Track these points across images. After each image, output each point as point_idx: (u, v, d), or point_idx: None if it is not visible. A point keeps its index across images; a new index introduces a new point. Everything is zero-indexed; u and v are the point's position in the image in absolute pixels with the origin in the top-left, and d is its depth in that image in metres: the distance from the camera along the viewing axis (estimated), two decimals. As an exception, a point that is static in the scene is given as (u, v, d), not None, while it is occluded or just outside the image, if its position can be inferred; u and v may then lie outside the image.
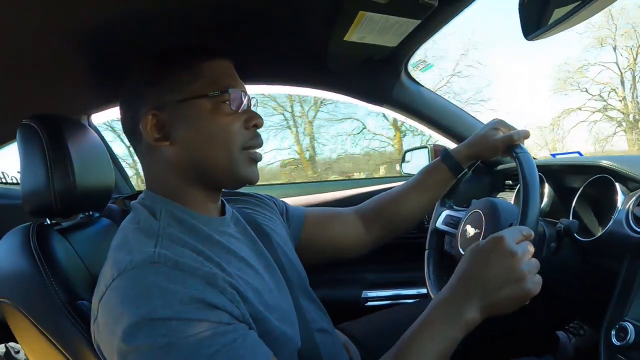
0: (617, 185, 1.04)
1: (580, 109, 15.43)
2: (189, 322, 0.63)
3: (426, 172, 1.18)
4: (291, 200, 1.63)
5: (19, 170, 1.01)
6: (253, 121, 0.84)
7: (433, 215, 1.29)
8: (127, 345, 0.62)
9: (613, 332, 0.86)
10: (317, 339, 0.90)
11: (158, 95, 0.80)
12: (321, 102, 12.89)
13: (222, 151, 0.81)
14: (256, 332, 0.72)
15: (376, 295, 1.77)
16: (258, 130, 0.87)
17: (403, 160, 1.97)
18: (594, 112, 15.35)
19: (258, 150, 0.86)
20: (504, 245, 0.75)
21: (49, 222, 1.03)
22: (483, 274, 0.75)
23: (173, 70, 0.81)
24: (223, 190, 0.89)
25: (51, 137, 0.96)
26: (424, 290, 1.69)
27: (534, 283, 0.74)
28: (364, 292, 1.77)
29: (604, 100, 15.43)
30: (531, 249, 0.77)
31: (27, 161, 0.98)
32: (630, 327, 0.84)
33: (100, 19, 0.84)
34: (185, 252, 0.72)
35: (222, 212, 0.91)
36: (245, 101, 0.84)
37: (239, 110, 0.83)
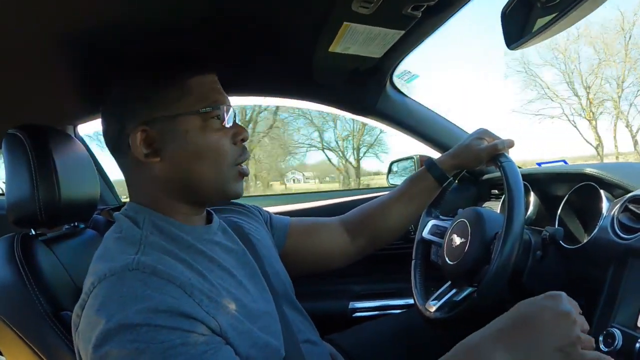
0: (602, 192, 1.05)
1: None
2: (160, 329, 0.62)
3: (411, 181, 1.18)
4: (276, 210, 1.63)
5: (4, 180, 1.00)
6: (240, 135, 0.84)
7: (419, 225, 1.30)
8: (98, 352, 0.62)
9: (601, 339, 0.87)
10: (304, 350, 0.89)
11: (147, 110, 0.79)
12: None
13: (212, 168, 0.81)
14: (232, 349, 0.70)
15: (363, 307, 1.76)
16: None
17: (389, 171, 1.98)
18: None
19: (244, 165, 0.86)
20: (561, 303, 0.69)
21: (33, 232, 1.02)
22: (529, 327, 0.68)
23: (162, 86, 0.80)
24: None
25: (37, 147, 0.96)
26: (411, 301, 1.67)
27: (584, 355, 0.67)
28: (350, 303, 1.76)
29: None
30: (586, 326, 0.69)
31: (12, 171, 0.97)
32: (617, 333, 0.84)
33: (87, 29, 0.84)
34: (165, 260, 0.71)
35: (208, 220, 0.90)
36: (231, 115, 0.84)
37: (227, 125, 0.82)
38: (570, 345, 0.66)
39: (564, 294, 0.71)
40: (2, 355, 0.99)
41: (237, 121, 0.87)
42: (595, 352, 0.68)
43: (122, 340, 0.61)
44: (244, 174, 0.85)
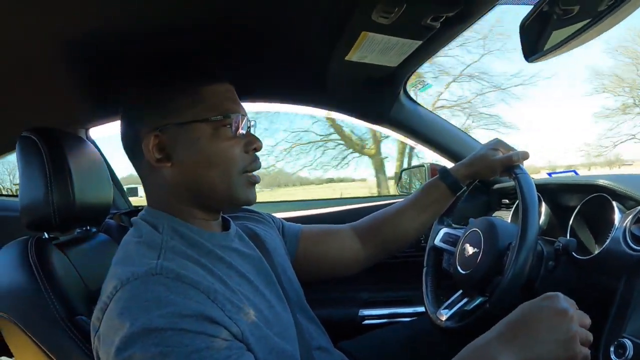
0: (614, 203, 1.05)
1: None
2: (184, 333, 0.63)
3: (424, 190, 1.18)
4: (288, 217, 1.63)
5: (17, 182, 1.00)
6: (253, 145, 0.85)
7: (431, 232, 1.30)
8: (121, 356, 0.62)
9: (612, 349, 0.87)
10: (317, 357, 0.89)
11: (159, 117, 0.80)
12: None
13: (222, 175, 0.81)
14: (253, 355, 0.71)
15: (373, 314, 1.76)
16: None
17: (400, 179, 1.98)
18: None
19: (256, 173, 0.87)
20: (558, 302, 0.72)
21: (47, 236, 1.02)
22: (530, 326, 0.70)
23: (174, 94, 0.81)
24: None
25: (52, 150, 0.96)
26: (421, 309, 1.68)
27: (582, 349, 0.70)
28: (360, 310, 1.76)
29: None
30: (587, 320, 0.74)
31: (26, 174, 0.97)
32: (629, 343, 0.84)
33: (99, 34, 0.84)
34: (188, 265, 0.72)
35: (225, 227, 0.91)
36: (245, 125, 0.85)
37: (239, 134, 0.83)
38: (569, 340, 0.69)
39: (560, 294, 0.74)
40: (10, 357, 0.99)
41: (251, 130, 0.88)
42: (586, 354, 0.71)
43: (146, 344, 0.61)
44: (254, 182, 0.86)
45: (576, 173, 1.54)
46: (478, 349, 0.72)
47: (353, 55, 1.09)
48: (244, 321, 0.71)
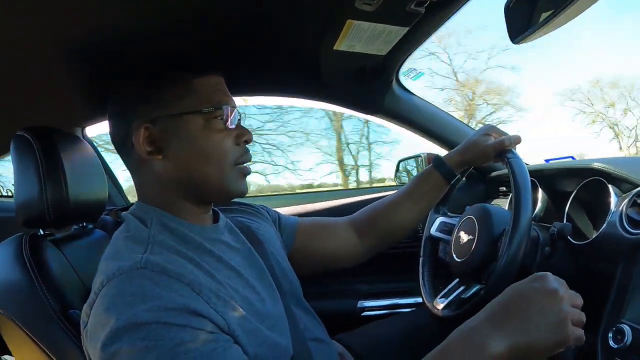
0: (610, 187, 1.04)
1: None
2: (169, 326, 0.63)
3: (419, 179, 1.18)
4: (285, 210, 1.63)
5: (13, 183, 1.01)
6: (244, 137, 0.85)
7: (427, 222, 1.29)
8: (108, 350, 0.62)
9: (610, 335, 0.86)
10: (312, 349, 0.89)
11: (150, 109, 0.81)
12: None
13: (214, 168, 0.82)
14: (242, 349, 0.71)
15: (372, 305, 1.76)
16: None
17: (397, 169, 1.97)
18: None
19: (247, 165, 0.87)
20: (548, 282, 0.70)
21: (42, 232, 1.03)
22: (520, 308, 0.68)
23: (165, 86, 0.82)
24: None
25: (45, 148, 0.97)
26: (419, 299, 1.67)
27: (574, 330, 0.68)
28: (359, 302, 1.76)
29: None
30: (578, 300, 0.71)
31: (20, 172, 0.98)
32: (627, 329, 0.84)
33: (94, 34, 0.85)
34: (174, 259, 0.72)
35: (215, 219, 0.91)
36: (235, 117, 0.85)
37: (230, 126, 0.83)
38: (560, 321, 0.67)
39: (549, 274, 0.72)
40: (11, 355, 1.00)
41: (241, 123, 0.88)
42: (579, 335, 0.69)
43: (132, 338, 0.61)
44: (246, 173, 0.86)
45: (573, 158, 1.52)
46: (467, 332, 0.70)
47: (341, 45, 1.08)
48: (231, 314, 0.71)
